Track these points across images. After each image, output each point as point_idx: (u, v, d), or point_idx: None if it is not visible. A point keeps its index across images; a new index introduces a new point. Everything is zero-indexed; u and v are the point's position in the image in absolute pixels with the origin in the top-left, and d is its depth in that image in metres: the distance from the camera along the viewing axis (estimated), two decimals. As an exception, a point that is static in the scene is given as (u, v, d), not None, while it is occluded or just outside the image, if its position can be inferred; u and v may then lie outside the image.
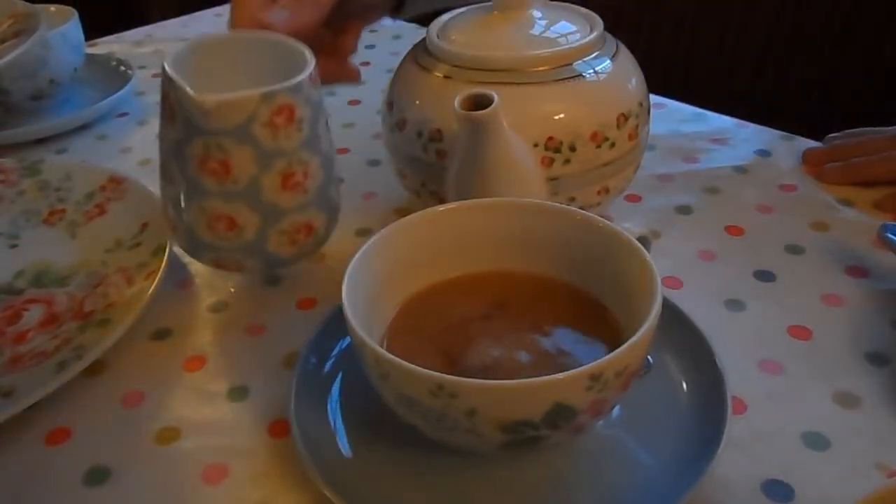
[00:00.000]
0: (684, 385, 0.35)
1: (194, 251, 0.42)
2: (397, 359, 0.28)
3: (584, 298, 0.36)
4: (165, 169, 0.41)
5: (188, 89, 0.36)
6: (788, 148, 0.58)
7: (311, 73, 0.38)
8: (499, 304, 0.36)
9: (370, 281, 0.34)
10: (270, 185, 0.38)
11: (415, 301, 0.36)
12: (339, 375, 0.37)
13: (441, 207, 0.37)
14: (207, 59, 0.41)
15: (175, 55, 0.39)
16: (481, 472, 0.33)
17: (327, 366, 0.37)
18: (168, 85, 0.38)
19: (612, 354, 0.27)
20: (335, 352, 0.37)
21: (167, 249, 0.45)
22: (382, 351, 0.29)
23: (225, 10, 0.97)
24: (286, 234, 0.40)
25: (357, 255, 0.33)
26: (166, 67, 0.38)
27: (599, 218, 0.35)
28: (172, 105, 0.38)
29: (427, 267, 0.37)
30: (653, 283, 0.31)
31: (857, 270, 0.45)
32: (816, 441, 0.34)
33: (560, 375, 0.27)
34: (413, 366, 0.27)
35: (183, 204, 0.40)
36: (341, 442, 0.33)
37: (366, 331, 0.30)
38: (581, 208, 0.44)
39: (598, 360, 0.27)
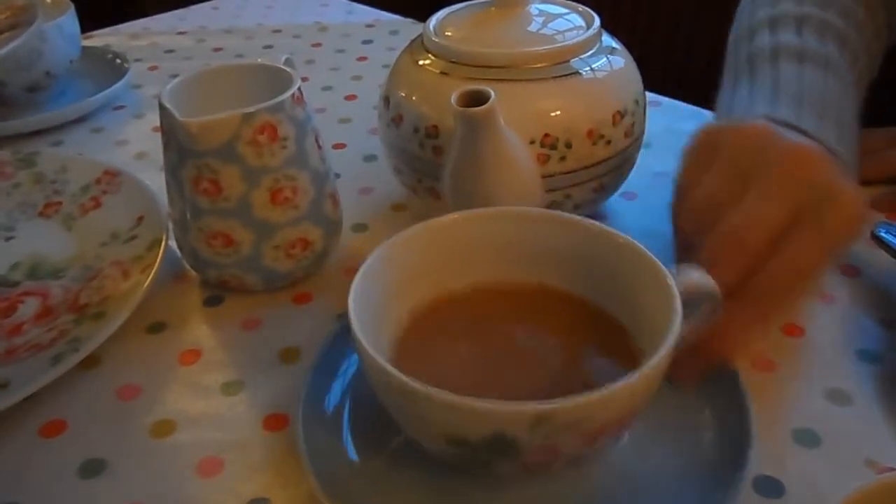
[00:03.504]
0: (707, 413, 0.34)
1: (199, 269, 0.44)
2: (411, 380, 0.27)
3: (597, 313, 0.34)
4: (169, 193, 0.43)
5: (176, 114, 0.38)
6: (783, 146, 0.58)
7: (293, 94, 0.40)
8: (508, 317, 0.35)
9: (376, 297, 0.32)
10: (260, 201, 0.40)
11: (422, 315, 0.35)
12: (349, 383, 0.36)
13: (446, 218, 0.35)
14: (206, 90, 0.44)
15: (171, 86, 0.42)
16: (490, 494, 0.32)
17: (335, 375, 0.36)
18: (162, 114, 0.40)
19: (561, 400, 0.25)
20: (342, 368, 0.36)
21: (163, 243, 0.45)
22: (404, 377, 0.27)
23: (221, 3, 0.97)
24: (281, 249, 0.42)
25: (360, 273, 0.32)
26: (160, 97, 0.40)
27: (617, 232, 0.34)
28: (167, 132, 0.40)
29: (433, 278, 0.35)
30: (672, 307, 0.28)
31: (850, 269, 0.45)
32: (807, 438, 0.35)
33: (502, 405, 0.25)
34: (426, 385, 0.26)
35: (185, 224, 0.42)
36: (348, 448, 0.33)
37: (374, 347, 0.29)
38: (576, 206, 0.44)
39: (546, 403, 0.25)
